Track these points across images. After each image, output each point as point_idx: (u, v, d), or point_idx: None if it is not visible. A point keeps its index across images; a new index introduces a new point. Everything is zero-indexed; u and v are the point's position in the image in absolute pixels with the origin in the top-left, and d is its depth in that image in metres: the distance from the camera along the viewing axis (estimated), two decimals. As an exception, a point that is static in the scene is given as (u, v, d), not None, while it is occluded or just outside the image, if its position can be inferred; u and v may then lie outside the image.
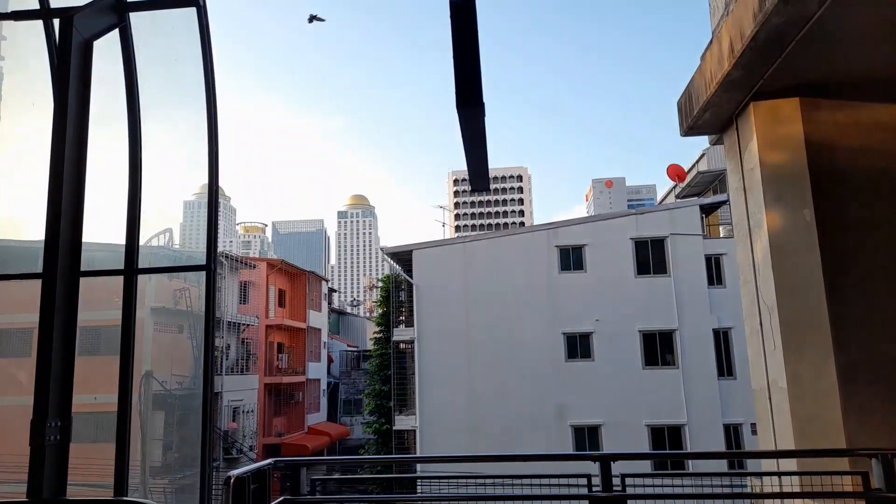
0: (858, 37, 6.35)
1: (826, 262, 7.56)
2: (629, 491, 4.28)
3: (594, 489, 4.24)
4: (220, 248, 32.16)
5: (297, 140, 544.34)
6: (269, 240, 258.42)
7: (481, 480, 4.47)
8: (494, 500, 4.39)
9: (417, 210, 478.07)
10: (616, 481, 4.28)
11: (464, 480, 4.82)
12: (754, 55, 7.50)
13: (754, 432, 21.87)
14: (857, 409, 7.17)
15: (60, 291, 4.33)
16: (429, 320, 23.39)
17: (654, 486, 5.31)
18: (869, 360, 7.27)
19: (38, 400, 4.14)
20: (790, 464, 7.05)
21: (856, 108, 8.06)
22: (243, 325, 30.96)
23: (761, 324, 8.53)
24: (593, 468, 4.34)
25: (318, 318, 40.76)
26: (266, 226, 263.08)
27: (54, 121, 4.49)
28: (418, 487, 15.72)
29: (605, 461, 4.22)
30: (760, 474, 6.14)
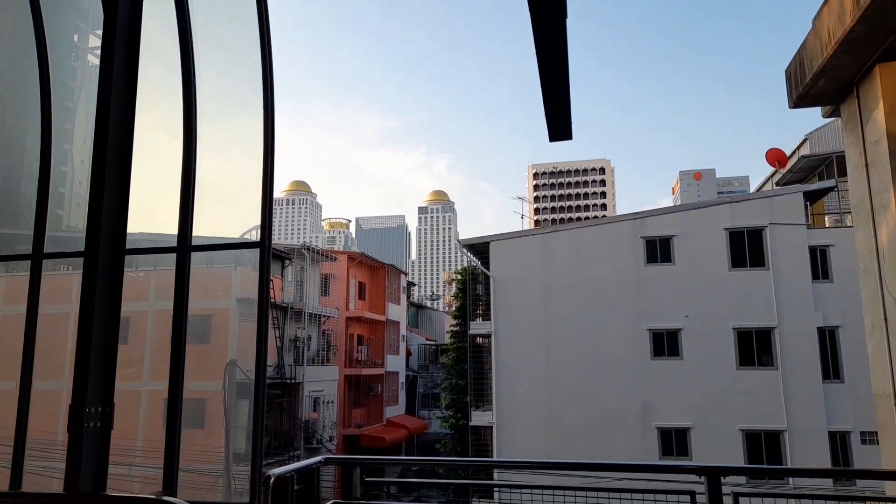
0: None
1: (969, 247, 6.41)
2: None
3: (697, 509, 3.54)
4: (304, 241, 32.73)
5: (380, 136, 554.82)
6: (353, 235, 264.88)
7: (562, 492, 3.87)
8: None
9: (497, 207, 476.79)
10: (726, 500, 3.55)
11: (541, 491, 4.22)
12: (885, 4, 6.40)
13: (864, 441, 19.94)
14: None
15: (103, 270, 4.04)
16: (506, 314, 22.73)
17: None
18: None
19: (78, 384, 3.86)
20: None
21: None
22: (324, 316, 31.39)
23: (886, 318, 7.40)
24: (686, 478, 3.66)
25: (397, 311, 40.90)
26: (350, 221, 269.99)
27: (100, 81, 4.21)
28: (495, 496, 14.98)
29: (714, 476, 3.51)
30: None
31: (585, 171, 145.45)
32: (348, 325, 34.86)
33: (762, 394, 20.27)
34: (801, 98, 8.47)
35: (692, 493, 3.56)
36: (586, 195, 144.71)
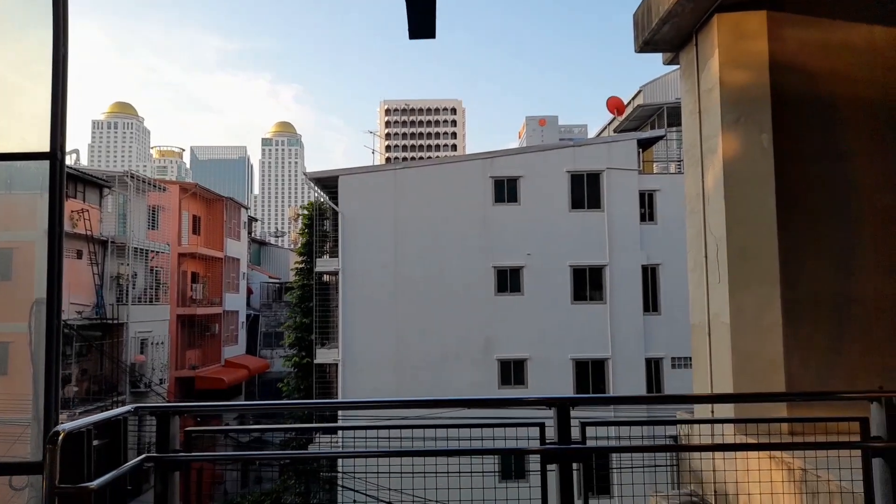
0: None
1: (780, 192, 6.92)
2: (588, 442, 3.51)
3: (548, 441, 3.44)
4: (128, 169, 29.46)
5: (220, 60, 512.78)
6: (188, 165, 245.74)
7: (409, 430, 3.61)
8: (422, 455, 3.49)
9: (348, 144, 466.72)
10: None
11: (386, 431, 3.92)
12: (731, -51, 6.55)
13: (673, 366, 22.41)
14: (801, 347, 6.70)
15: None
16: (355, 251, 22.25)
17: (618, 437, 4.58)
18: (815, 297, 6.76)
19: None
20: (728, 406, 6.57)
21: (826, 26, 7.23)
22: (152, 251, 28.77)
23: (706, 256, 7.91)
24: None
25: (237, 248, 38.73)
26: (184, 150, 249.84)
27: None
28: (339, 439, 14.63)
29: (563, 407, 3.41)
30: (744, 421, 5.59)
31: (437, 111, 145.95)
32: (181, 261, 32.36)
33: (592, 326, 21.90)
34: (646, 43, 8.58)
35: (541, 425, 3.49)
36: (438, 135, 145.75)
